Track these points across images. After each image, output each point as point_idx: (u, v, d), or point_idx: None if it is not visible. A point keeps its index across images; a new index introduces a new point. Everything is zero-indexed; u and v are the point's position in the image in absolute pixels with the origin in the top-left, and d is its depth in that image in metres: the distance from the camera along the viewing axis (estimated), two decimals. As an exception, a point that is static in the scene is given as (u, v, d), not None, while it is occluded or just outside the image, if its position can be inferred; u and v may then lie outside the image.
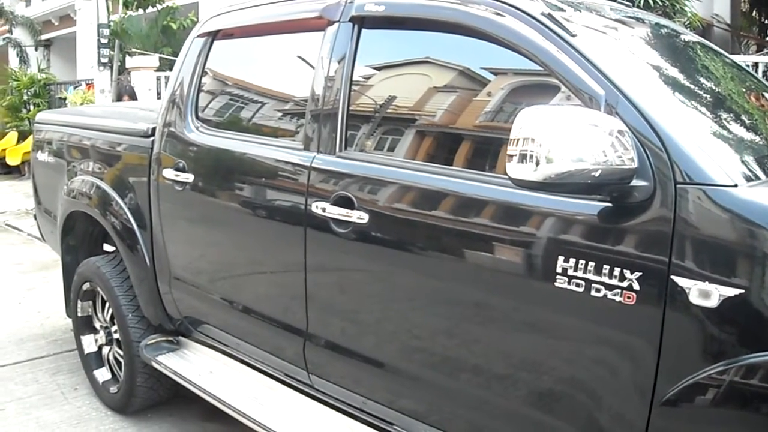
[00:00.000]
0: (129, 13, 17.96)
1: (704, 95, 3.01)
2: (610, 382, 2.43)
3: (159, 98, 14.44)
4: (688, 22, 11.17)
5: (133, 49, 16.58)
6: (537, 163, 2.22)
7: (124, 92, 13.58)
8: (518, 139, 2.26)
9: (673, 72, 3.10)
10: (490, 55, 2.96)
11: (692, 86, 3.05)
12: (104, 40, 16.43)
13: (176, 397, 4.75)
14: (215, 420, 4.55)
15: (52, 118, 5.78)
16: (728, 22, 15.39)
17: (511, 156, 2.28)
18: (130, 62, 15.90)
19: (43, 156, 5.67)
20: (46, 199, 5.78)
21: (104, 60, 16.43)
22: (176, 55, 4.35)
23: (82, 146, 5.12)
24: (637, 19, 3.54)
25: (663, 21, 3.88)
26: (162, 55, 16.14)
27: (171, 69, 15.54)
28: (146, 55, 15.81)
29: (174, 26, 17.68)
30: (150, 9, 17.86)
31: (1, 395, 5.14)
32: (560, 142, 2.20)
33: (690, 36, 3.74)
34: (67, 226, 5.25)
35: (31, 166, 6.14)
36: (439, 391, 2.99)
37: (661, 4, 10.41)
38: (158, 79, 15.16)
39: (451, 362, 2.93)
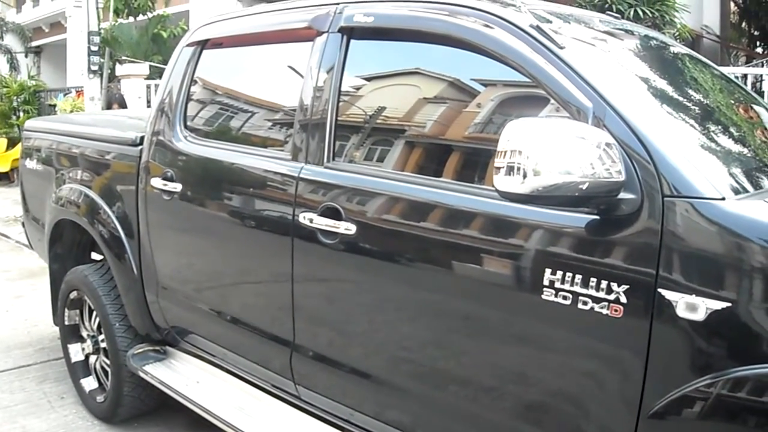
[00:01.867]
0: (119, 20, 18.00)
1: (692, 107, 3.02)
2: (598, 395, 2.43)
3: (149, 106, 14.45)
4: (677, 33, 11.22)
5: (123, 57, 16.56)
6: (524, 176, 2.21)
7: (114, 100, 13.55)
8: (505, 152, 2.25)
9: (662, 84, 3.10)
10: (479, 66, 2.95)
11: (680, 98, 3.05)
12: (94, 48, 16.45)
13: (163, 406, 4.72)
14: (202, 429, 4.48)
15: (41, 126, 5.75)
16: (718, 33, 15.46)
17: (499, 168, 2.27)
18: (120, 70, 15.90)
19: (31, 164, 5.65)
20: (35, 206, 5.76)
21: (94, 67, 16.44)
22: (166, 63, 4.34)
23: (70, 154, 5.10)
24: (626, 31, 3.54)
25: (652, 33, 3.89)
26: (152, 64, 16.11)
27: (161, 77, 15.58)
28: (136, 63, 15.80)
29: (164, 34, 17.70)
30: (140, 17, 17.88)
31: (-13, 403, 5.11)
32: (548, 155, 2.20)
33: (679, 48, 3.74)
34: (54, 234, 5.22)
35: (20, 173, 6.12)
36: (426, 403, 2.98)
37: (650, 15, 10.45)
38: (148, 87, 15.16)
39: (439, 374, 2.92)
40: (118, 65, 16.37)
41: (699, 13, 14.38)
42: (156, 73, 15.89)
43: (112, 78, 16.56)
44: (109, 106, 13.72)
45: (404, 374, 3.04)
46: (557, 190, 2.21)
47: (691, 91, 3.19)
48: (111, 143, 4.63)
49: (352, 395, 3.28)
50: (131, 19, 18.01)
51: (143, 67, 15.67)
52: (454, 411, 2.88)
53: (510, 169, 2.24)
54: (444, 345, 2.88)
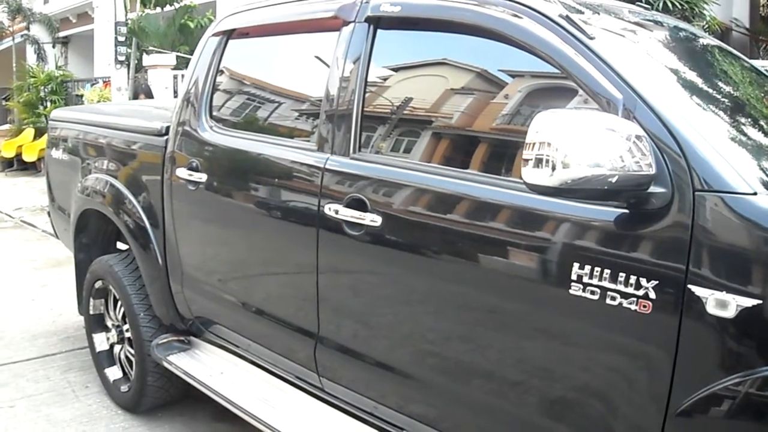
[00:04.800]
0: (146, 11, 18.03)
1: (723, 100, 2.96)
2: (625, 392, 2.40)
3: (175, 97, 14.49)
4: (706, 26, 11.11)
5: (150, 48, 16.59)
6: (553, 168, 2.19)
7: (141, 90, 13.59)
8: (534, 143, 2.23)
9: (692, 76, 3.05)
10: (506, 57, 2.92)
11: (711, 90, 3.01)
12: (122, 38, 16.53)
13: (187, 396, 4.73)
14: (226, 420, 4.53)
15: (67, 116, 5.77)
16: (747, 26, 15.30)
17: (527, 160, 2.25)
18: (147, 60, 15.94)
19: (57, 153, 5.67)
20: (60, 196, 5.79)
21: (121, 58, 16.52)
22: (193, 53, 4.33)
23: (96, 144, 5.12)
24: (656, 22, 3.49)
25: (682, 24, 3.84)
26: (179, 54, 16.13)
27: (188, 67, 15.60)
28: (163, 54, 15.82)
29: (191, 25, 17.71)
30: (167, 7, 17.90)
31: (12, 392, 5.14)
32: (577, 147, 2.17)
33: (708, 39, 3.70)
34: (80, 224, 5.24)
35: (45, 163, 6.14)
36: (451, 396, 2.95)
37: (680, 7, 10.36)
38: (175, 77, 15.18)
39: (464, 368, 2.90)
40: (145, 56, 16.40)
41: (728, 6, 14.24)
42: (183, 64, 15.90)
43: (139, 68, 16.60)
44: (135, 96, 13.77)
45: (429, 367, 3.02)
46: (586, 183, 2.18)
47: (721, 84, 3.14)
48: (136, 133, 4.64)
49: (377, 388, 3.27)
50: (158, 9, 18.02)
51: (170, 58, 15.70)
52: (479, 405, 2.86)
53: (538, 162, 2.22)
54: (469, 338, 2.86)
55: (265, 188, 3.69)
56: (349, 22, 3.36)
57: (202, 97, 4.14)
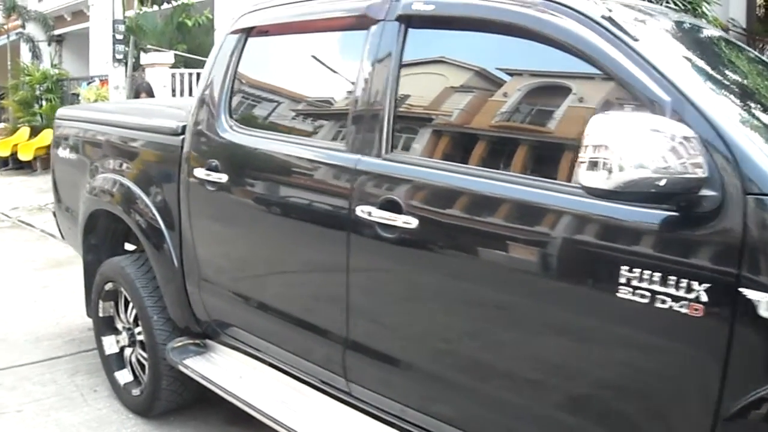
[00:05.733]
0: (144, 9, 17.96)
1: (765, 102, 2.92)
2: (673, 396, 2.38)
3: (174, 95, 14.43)
4: (708, 25, 11.07)
5: (148, 46, 16.52)
6: (609, 171, 2.17)
7: (142, 89, 13.48)
8: (590, 146, 2.22)
9: (733, 78, 3.04)
10: (544, 58, 2.89)
11: (751, 92, 2.98)
12: (119, 36, 16.48)
13: (199, 400, 4.67)
14: (238, 423, 4.49)
15: (75, 114, 5.70)
16: (744, 26, 15.31)
17: (583, 163, 2.24)
18: (144, 59, 15.87)
19: (64, 152, 5.59)
20: (67, 196, 5.70)
21: (119, 56, 16.47)
22: (191, 52, 4.27)
23: (107, 143, 5.03)
24: (683, 22, 3.47)
25: (709, 26, 3.80)
26: (177, 52, 16.07)
27: (186, 66, 15.47)
28: (161, 52, 15.75)
29: (189, 23, 17.61)
30: (165, 5, 17.84)
31: (20, 396, 5.07)
32: (634, 150, 2.17)
33: (733, 40, 3.67)
34: (89, 225, 5.16)
35: (51, 162, 6.05)
36: (497, 405, 2.90)
37: (681, 7, 10.32)
38: (173, 76, 15.10)
39: (508, 374, 2.85)
40: (142, 54, 16.33)
41: (726, 5, 14.23)
42: (180, 62, 15.87)
43: (137, 67, 16.53)
44: (136, 95, 13.67)
45: (471, 374, 2.96)
46: (641, 186, 2.18)
47: (760, 86, 3.12)
48: (151, 132, 4.57)
49: (408, 393, 3.21)
50: (155, 7, 17.98)
51: (168, 56, 15.62)
52: (523, 412, 2.82)
53: (593, 164, 2.21)
54: (512, 344, 2.81)
55: (290, 189, 3.64)
56: (379, 21, 3.30)
57: (221, 97, 4.07)
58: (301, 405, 3.71)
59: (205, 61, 4.34)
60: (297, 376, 3.82)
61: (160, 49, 16.10)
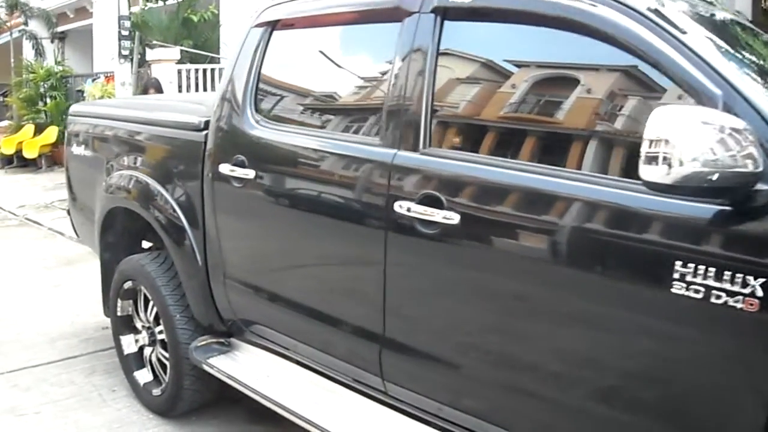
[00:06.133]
0: (149, 5, 17.90)
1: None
2: (727, 391, 2.35)
3: (180, 91, 14.35)
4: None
5: (154, 42, 16.44)
6: (670, 166, 2.14)
7: (150, 86, 13.38)
8: (651, 140, 2.18)
9: None
10: (586, 50, 2.83)
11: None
12: (125, 32, 16.40)
13: (220, 398, 4.61)
14: (261, 422, 4.45)
15: (90, 110, 5.64)
16: (749, 18, 15.26)
17: (643, 157, 2.21)
18: (150, 55, 15.79)
19: (79, 150, 5.51)
20: (82, 194, 5.63)
21: (125, 52, 16.39)
22: (197, 47, 4.20)
23: (124, 140, 4.97)
24: (717, 14, 3.38)
25: (735, 16, 3.72)
26: (183, 48, 15.99)
27: (191, 61, 15.37)
28: (167, 48, 15.67)
29: (194, 18, 17.50)
30: (170, 1, 17.77)
31: (37, 396, 5.02)
32: (694, 144, 2.14)
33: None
34: (106, 223, 5.08)
35: (65, 160, 5.98)
36: (546, 404, 2.85)
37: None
38: (179, 72, 15.02)
39: (558, 374, 2.79)
40: (148, 50, 16.26)
41: (731, -3, 14.21)
42: (186, 58, 15.78)
43: (143, 63, 16.45)
44: (145, 91, 13.57)
45: (517, 374, 2.92)
46: (699, 181, 2.15)
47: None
48: (172, 128, 4.49)
49: (450, 391, 3.16)
50: (160, 3, 17.90)
51: (174, 52, 15.53)
52: (574, 411, 2.77)
53: (651, 159, 2.18)
54: (563, 342, 2.76)
55: (323, 185, 3.57)
56: (413, 13, 3.23)
57: (246, 92, 3.99)
58: (333, 404, 3.65)
59: (211, 57, 4.28)
60: (327, 374, 3.76)
61: (165, 44, 16.02)
